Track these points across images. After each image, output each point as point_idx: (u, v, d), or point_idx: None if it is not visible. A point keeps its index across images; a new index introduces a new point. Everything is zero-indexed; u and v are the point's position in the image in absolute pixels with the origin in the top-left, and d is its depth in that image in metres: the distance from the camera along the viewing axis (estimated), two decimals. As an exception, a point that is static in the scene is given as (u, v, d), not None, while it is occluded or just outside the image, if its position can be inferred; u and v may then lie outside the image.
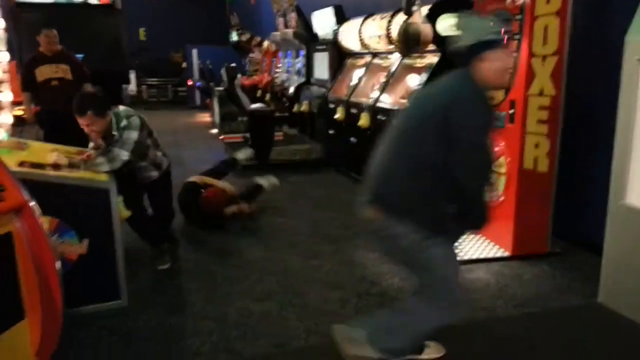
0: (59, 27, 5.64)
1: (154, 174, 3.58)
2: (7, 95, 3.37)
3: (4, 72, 3.39)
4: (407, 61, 5.47)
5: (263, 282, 3.42)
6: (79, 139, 3.60)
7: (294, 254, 3.89)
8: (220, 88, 9.42)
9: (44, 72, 5.36)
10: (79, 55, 5.97)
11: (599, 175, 3.49)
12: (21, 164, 2.66)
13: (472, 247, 3.91)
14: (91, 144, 3.48)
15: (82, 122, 3.13)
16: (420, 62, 5.24)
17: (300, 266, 3.67)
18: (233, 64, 9.85)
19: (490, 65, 2.12)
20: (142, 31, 16.62)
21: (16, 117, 4.28)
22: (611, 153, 2.96)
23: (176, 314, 2.99)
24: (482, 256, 3.76)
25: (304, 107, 7.76)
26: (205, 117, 12.69)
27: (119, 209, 2.96)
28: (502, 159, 3.79)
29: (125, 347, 2.64)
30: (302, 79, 8.31)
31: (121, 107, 3.39)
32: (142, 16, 15.74)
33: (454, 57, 2.20)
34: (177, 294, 3.26)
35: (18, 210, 2.19)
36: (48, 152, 3.06)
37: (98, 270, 2.90)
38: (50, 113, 5.35)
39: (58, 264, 2.28)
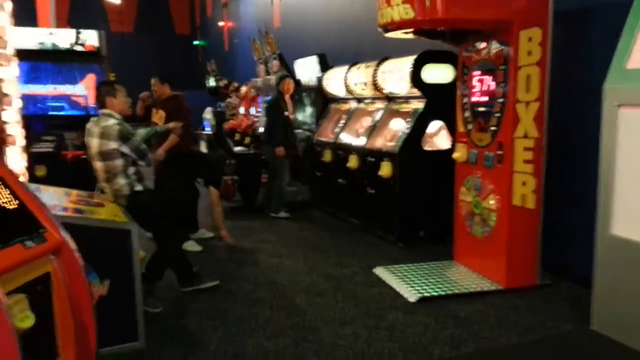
0: None
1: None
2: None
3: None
4: (392, 106, 5.77)
5: (274, 319, 3.50)
6: None
7: (299, 291, 3.99)
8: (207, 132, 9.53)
9: None
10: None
11: (582, 211, 3.77)
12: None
13: (467, 281, 4.10)
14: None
15: None
16: (405, 107, 5.54)
17: (307, 303, 3.77)
18: (219, 109, 10.01)
19: None
20: (111, 76, 16.51)
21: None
22: (594, 189, 3.23)
23: (193, 355, 3.03)
24: (477, 290, 3.95)
25: (288, 149, 7.95)
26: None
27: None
28: (492, 197, 4.04)
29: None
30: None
31: None
32: (116, 61, 15.74)
33: None
34: (191, 334, 3.30)
35: (57, 251, 2.26)
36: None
37: (117, 312, 2.93)
38: None
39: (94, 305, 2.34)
